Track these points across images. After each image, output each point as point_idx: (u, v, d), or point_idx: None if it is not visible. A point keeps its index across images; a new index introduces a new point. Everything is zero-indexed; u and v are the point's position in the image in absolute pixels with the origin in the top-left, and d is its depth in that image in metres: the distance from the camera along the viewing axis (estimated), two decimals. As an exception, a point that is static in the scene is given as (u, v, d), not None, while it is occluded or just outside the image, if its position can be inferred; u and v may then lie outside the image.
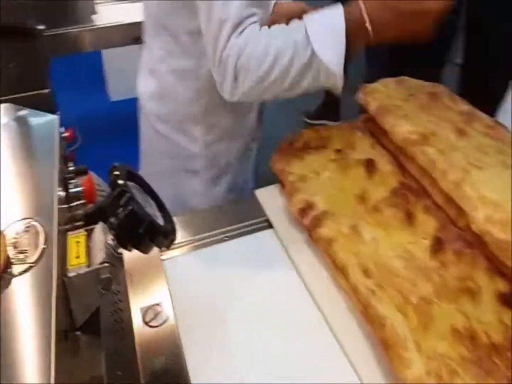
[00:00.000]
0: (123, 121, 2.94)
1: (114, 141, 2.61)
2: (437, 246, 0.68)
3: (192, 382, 0.53)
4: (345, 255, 0.69)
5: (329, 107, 2.64)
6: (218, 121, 1.01)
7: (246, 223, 0.86)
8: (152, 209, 0.52)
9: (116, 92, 3.02)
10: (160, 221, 0.52)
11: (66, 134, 1.16)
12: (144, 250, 0.49)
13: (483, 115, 0.88)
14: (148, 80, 1.04)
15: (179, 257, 0.76)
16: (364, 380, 0.59)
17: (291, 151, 0.91)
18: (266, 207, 0.88)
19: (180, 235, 0.82)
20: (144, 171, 1.00)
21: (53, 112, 1.13)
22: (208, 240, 0.83)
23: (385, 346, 0.57)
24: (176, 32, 0.91)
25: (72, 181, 0.68)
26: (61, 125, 1.22)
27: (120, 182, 0.48)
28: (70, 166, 0.69)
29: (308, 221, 0.76)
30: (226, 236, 0.84)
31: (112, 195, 0.47)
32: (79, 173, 0.70)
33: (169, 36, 0.93)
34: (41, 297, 0.45)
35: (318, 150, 0.91)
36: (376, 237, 0.72)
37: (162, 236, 0.49)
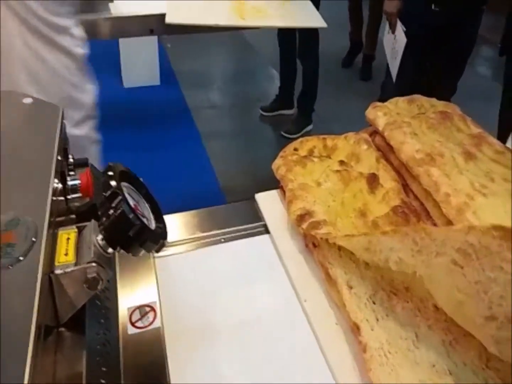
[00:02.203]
0: (136, 107, 2.96)
1: (127, 126, 2.61)
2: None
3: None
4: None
5: (283, 99, 2.94)
6: None
7: (244, 226, 0.84)
8: (145, 211, 0.50)
9: (129, 79, 3.03)
10: (152, 224, 0.50)
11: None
12: (134, 253, 0.47)
13: (493, 140, 0.85)
14: None
15: (172, 256, 0.74)
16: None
17: (294, 158, 0.89)
18: (264, 212, 0.86)
19: (176, 234, 0.80)
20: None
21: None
22: (204, 241, 0.81)
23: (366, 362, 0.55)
24: None
25: (71, 173, 0.66)
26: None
27: (113, 183, 0.46)
28: (71, 158, 0.67)
29: (306, 225, 0.73)
30: (222, 238, 0.82)
31: (104, 196, 0.45)
32: (79, 165, 0.68)
33: None
34: (25, 292, 0.43)
35: (321, 159, 0.89)
36: (372, 254, 0.69)
37: (152, 241, 0.47)
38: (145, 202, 0.52)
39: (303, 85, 2.81)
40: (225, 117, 3.06)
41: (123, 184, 0.48)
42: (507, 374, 0.52)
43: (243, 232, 0.84)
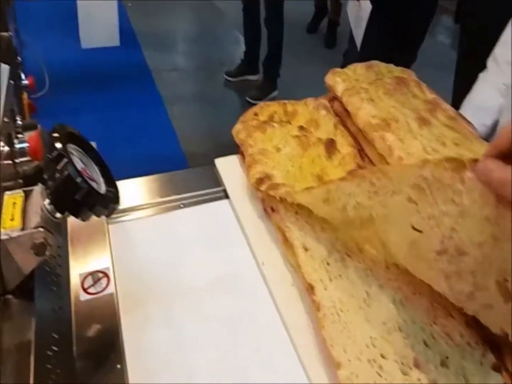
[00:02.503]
0: (95, 69, 2.84)
1: (84, 88, 2.52)
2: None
3: (126, 354, 0.51)
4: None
5: (248, 64, 2.97)
6: None
7: (203, 191, 0.84)
8: (94, 175, 0.49)
9: (87, 40, 2.91)
10: (102, 188, 0.48)
11: (26, 82, 1.08)
12: (82, 217, 0.46)
13: (447, 106, 0.86)
14: None
15: (128, 222, 0.73)
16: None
17: (254, 123, 0.88)
18: (224, 177, 0.85)
19: (134, 200, 0.79)
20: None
21: (14, 58, 1.05)
22: (162, 206, 0.80)
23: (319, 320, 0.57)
24: None
25: (20, 136, 0.63)
26: (24, 72, 1.14)
27: (58, 145, 0.44)
28: (19, 120, 0.64)
29: (265, 187, 0.73)
30: (181, 204, 0.81)
31: (48, 158, 0.44)
32: (27, 128, 0.65)
33: None
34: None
35: (281, 125, 0.88)
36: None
37: (101, 205, 0.46)
38: (94, 165, 0.50)
39: (268, 51, 2.77)
40: (188, 81, 2.99)
41: (71, 146, 0.46)
42: (454, 329, 0.55)
43: (202, 198, 0.83)
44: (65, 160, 0.43)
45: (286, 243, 0.70)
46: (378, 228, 0.55)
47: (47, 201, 0.46)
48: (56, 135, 0.45)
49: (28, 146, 0.59)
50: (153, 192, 0.81)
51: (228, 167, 0.88)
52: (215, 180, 0.86)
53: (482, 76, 0.97)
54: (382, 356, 0.55)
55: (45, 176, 0.44)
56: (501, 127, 0.92)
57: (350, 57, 2.17)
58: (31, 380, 0.42)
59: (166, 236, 0.74)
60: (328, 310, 0.59)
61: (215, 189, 0.84)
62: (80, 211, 0.45)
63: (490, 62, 0.97)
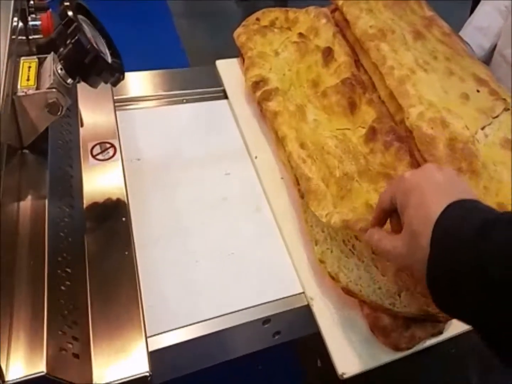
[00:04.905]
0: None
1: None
2: (371, 135, 0.70)
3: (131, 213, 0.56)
4: (287, 129, 0.70)
5: None
6: None
7: (205, 89, 0.86)
8: (100, 46, 0.51)
9: None
10: (108, 58, 0.50)
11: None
12: (92, 83, 0.48)
13: (443, 23, 0.86)
14: None
15: (134, 110, 0.76)
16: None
17: (255, 27, 0.88)
18: (224, 78, 0.87)
19: (139, 90, 0.81)
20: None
21: None
22: (166, 100, 0.82)
23: (308, 192, 0.61)
24: None
25: (33, 15, 0.64)
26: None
27: (69, 13, 0.45)
28: (31, 1, 0.64)
29: (260, 94, 0.76)
30: (184, 99, 0.84)
31: (61, 25, 0.45)
32: (39, 9, 0.65)
33: None
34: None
35: (282, 31, 0.88)
36: (319, 119, 0.73)
37: (108, 73, 0.48)
38: (101, 37, 0.52)
39: None
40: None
41: (80, 17, 0.48)
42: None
43: (204, 96, 0.85)
44: (75, 24, 0.44)
45: (277, 140, 0.73)
46: None
47: (59, 66, 0.48)
48: (67, 3, 0.46)
49: (40, 24, 0.60)
50: (157, 86, 0.83)
51: (228, 69, 0.89)
52: (216, 80, 0.87)
53: (484, -3, 0.96)
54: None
55: (57, 42, 0.46)
56: (499, 50, 0.92)
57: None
58: (46, 248, 0.46)
59: (169, 127, 0.77)
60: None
61: (215, 89, 0.86)
62: (89, 76, 0.48)
63: None
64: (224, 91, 0.86)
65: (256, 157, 0.75)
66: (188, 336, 0.50)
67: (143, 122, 0.75)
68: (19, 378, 0.38)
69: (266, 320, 0.54)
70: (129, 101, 0.77)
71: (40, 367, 0.38)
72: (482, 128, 0.64)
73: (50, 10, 0.66)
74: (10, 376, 0.38)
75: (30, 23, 0.61)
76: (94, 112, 0.65)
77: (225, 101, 0.85)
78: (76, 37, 0.44)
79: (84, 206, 0.53)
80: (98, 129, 0.62)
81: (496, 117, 0.66)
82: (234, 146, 0.77)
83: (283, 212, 0.68)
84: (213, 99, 0.85)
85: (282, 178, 0.73)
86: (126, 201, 0.55)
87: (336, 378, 0.49)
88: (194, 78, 0.87)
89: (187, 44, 2.34)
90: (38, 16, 0.62)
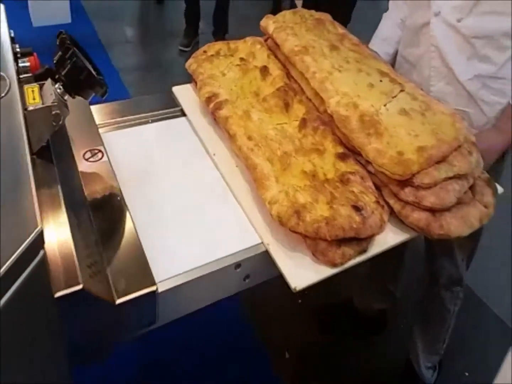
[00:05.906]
0: (46, 47, 2.85)
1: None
2: (302, 124, 0.88)
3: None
4: (237, 127, 0.87)
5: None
6: None
7: (166, 110, 1.03)
8: (89, 66, 0.67)
9: (38, 18, 2.93)
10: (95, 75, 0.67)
11: None
12: (85, 96, 0.64)
13: (353, 37, 1.08)
14: None
15: (110, 132, 0.93)
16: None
17: (204, 57, 1.07)
18: (180, 100, 1.04)
19: (110, 116, 0.98)
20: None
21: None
22: (135, 121, 0.99)
23: (255, 180, 0.78)
24: None
25: (20, 59, 0.80)
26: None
27: (68, 42, 0.62)
28: (17, 48, 0.80)
29: (212, 105, 0.93)
30: (150, 119, 1.00)
31: (60, 51, 0.61)
32: (24, 55, 0.82)
33: None
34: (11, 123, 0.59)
35: (226, 57, 1.08)
36: (262, 118, 0.91)
37: (98, 85, 0.64)
38: (86, 61, 0.68)
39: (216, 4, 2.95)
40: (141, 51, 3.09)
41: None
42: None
43: (166, 115, 1.02)
44: (72, 50, 0.60)
45: (230, 138, 0.90)
46: None
47: (57, 85, 0.63)
48: (64, 36, 0.63)
49: (29, 64, 0.76)
50: (125, 111, 1.00)
51: (183, 92, 1.06)
52: (174, 103, 1.05)
53: (385, 15, 1.19)
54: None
55: (55, 65, 0.61)
56: (400, 53, 1.14)
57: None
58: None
59: (141, 141, 0.94)
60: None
61: (174, 109, 1.03)
62: (84, 89, 0.63)
63: (390, 2, 1.18)
64: (182, 110, 1.03)
65: (214, 154, 0.92)
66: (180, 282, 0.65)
67: (119, 140, 0.92)
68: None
69: (237, 265, 0.69)
70: (105, 126, 0.93)
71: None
72: (385, 105, 0.84)
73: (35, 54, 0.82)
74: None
75: (20, 65, 0.77)
76: (81, 130, 0.81)
77: (183, 118, 1.02)
78: (74, 59, 0.60)
79: (85, 192, 0.68)
80: (85, 140, 0.78)
81: (395, 96, 0.86)
82: (195, 149, 0.94)
83: (238, 187, 0.85)
84: (173, 117, 1.02)
85: (237, 166, 0.89)
86: (118, 186, 0.70)
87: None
88: (155, 102, 1.05)
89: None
90: (26, 59, 0.78)
